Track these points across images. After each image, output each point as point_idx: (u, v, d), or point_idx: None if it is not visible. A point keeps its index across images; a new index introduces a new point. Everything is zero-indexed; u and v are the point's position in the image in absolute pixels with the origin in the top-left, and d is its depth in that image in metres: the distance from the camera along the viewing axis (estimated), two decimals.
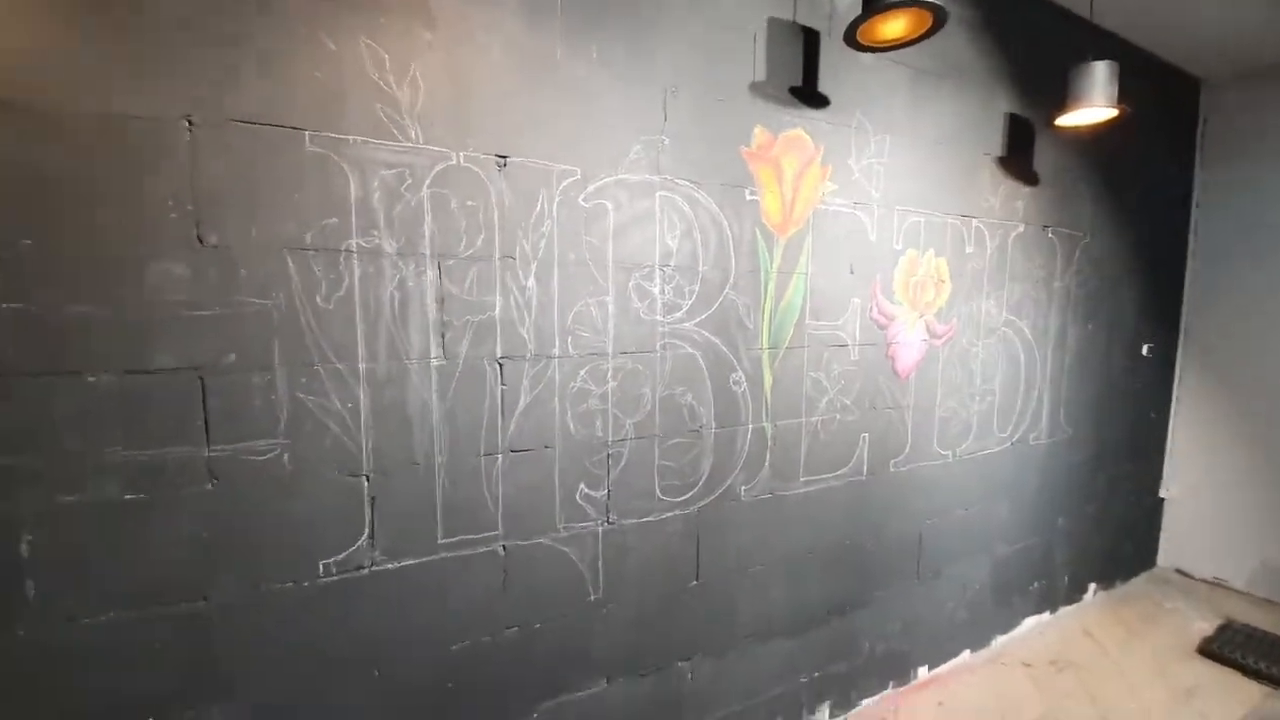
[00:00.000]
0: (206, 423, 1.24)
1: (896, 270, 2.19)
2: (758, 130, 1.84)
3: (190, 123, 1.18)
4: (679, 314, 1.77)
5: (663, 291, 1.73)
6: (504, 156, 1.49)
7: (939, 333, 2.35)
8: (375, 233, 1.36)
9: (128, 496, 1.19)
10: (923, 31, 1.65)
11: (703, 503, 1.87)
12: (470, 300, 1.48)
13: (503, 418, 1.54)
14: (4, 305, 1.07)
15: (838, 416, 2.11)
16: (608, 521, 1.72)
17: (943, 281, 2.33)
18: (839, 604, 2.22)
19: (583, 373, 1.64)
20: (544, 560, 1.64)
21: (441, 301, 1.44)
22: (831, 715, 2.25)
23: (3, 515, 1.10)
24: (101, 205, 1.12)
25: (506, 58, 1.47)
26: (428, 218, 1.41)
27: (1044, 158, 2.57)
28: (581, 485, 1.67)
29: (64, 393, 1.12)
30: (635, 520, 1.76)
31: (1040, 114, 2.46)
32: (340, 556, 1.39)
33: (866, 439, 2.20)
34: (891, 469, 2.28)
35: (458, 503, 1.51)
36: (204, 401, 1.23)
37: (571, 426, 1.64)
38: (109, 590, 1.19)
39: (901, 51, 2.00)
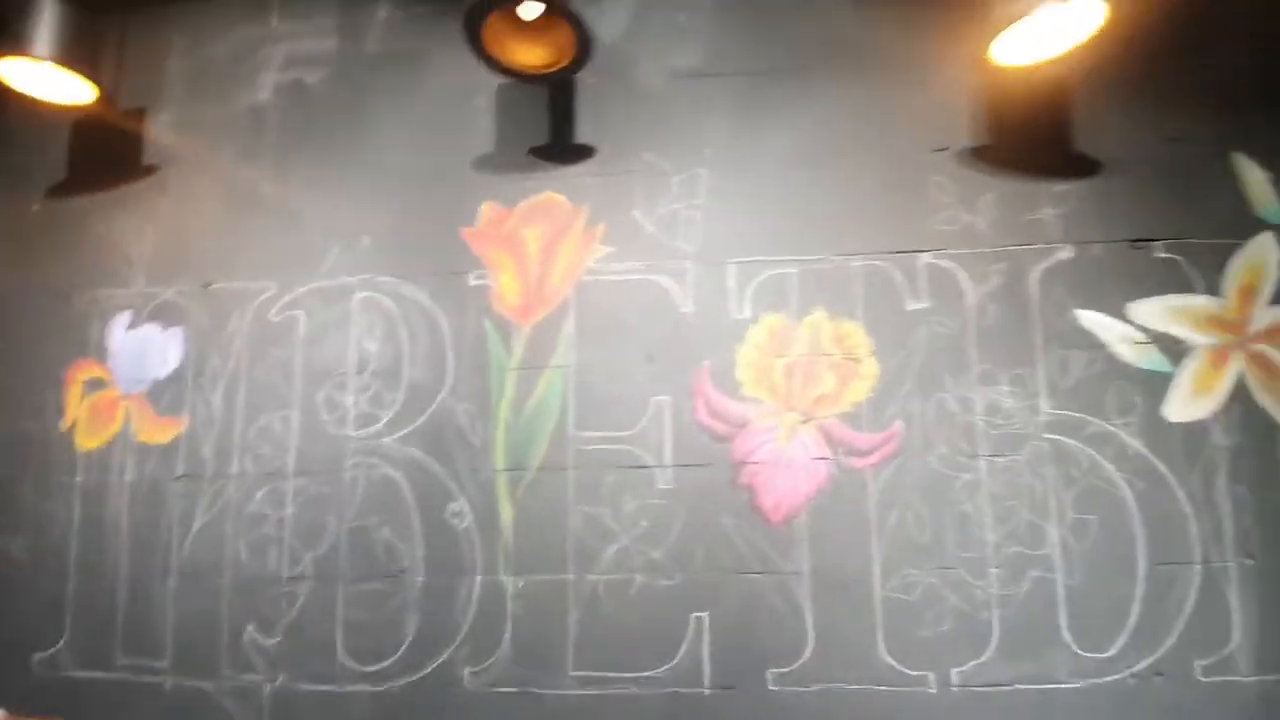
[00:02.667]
0: None
1: (743, 348, 1.43)
2: (485, 206, 1.55)
3: None
4: (376, 427, 1.49)
5: (356, 402, 1.51)
6: (207, 284, 1.60)
7: (860, 446, 1.38)
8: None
9: None
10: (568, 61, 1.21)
11: (405, 680, 1.40)
12: (161, 419, 1.55)
13: (175, 539, 1.50)
14: None
15: (637, 578, 1.38)
16: (276, 682, 1.43)
17: (853, 360, 1.41)
18: None
19: (259, 494, 1.50)
20: (206, 712, 1.44)
21: (129, 418, 1.56)
22: None
23: None
24: None
25: (220, 197, 1.64)
26: (147, 347, 1.59)
27: (1120, 123, 1.44)
28: (250, 626, 1.46)
29: None
30: (312, 686, 1.42)
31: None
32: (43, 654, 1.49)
33: (704, 622, 1.36)
34: (773, 684, 1.33)
35: (134, 621, 1.49)
36: None
37: (243, 554, 1.48)
38: None
39: (715, 55, 1.50)
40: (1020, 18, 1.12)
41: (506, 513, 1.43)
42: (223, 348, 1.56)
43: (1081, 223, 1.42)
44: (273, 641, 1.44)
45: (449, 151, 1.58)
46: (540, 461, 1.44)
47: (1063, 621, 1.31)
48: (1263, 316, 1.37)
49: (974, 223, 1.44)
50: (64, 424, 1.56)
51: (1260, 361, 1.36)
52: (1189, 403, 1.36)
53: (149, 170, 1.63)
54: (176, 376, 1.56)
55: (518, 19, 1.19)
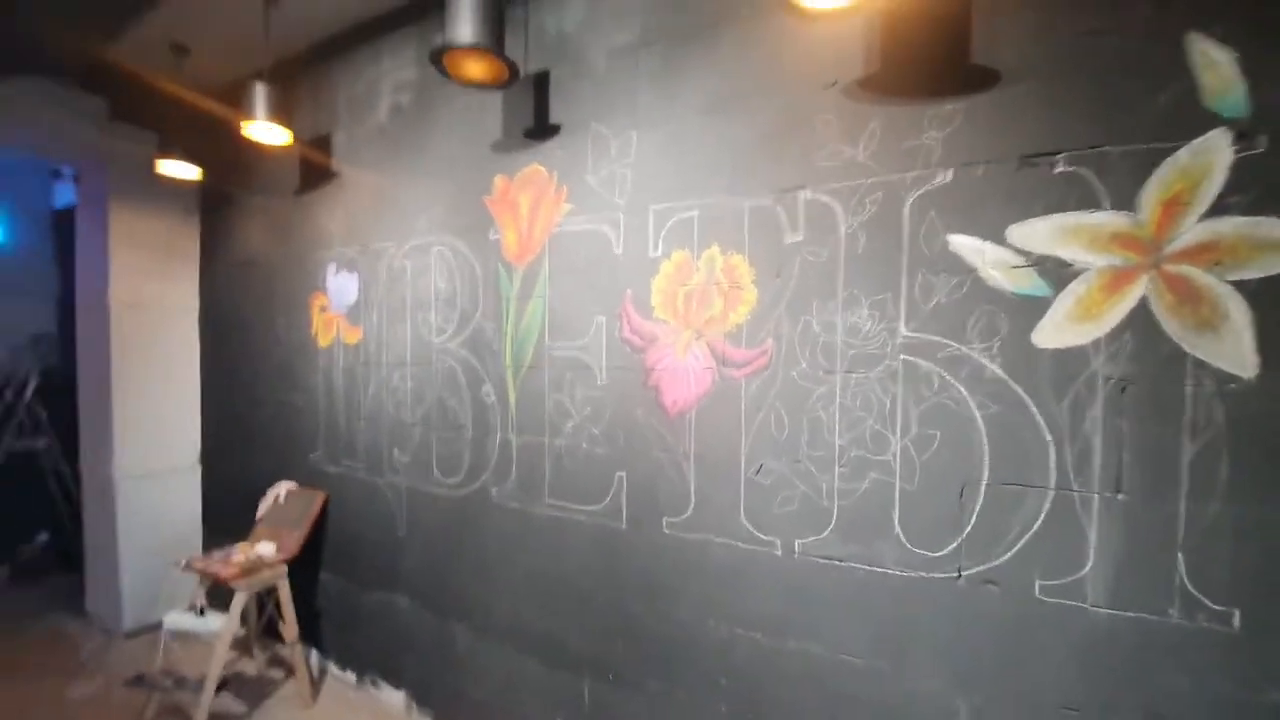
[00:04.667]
0: None
1: (656, 279, 1.82)
2: (497, 179, 2.15)
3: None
4: (445, 336, 2.32)
5: (435, 319, 2.34)
6: (365, 245, 2.58)
7: (737, 359, 1.69)
8: (325, 294, 2.73)
9: None
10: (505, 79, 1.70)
11: (464, 490, 2.28)
12: (353, 329, 2.63)
13: (361, 397, 2.60)
14: None
15: (584, 445, 1.98)
16: (407, 483, 2.45)
17: (738, 288, 1.68)
18: (599, 665, 1.97)
19: (395, 375, 2.48)
20: (377, 493, 2.55)
21: (339, 328, 2.66)
22: None
23: None
24: None
25: (368, 188, 2.56)
26: (343, 285, 2.67)
27: (1028, 23, 1.34)
28: (395, 449, 2.49)
29: None
30: (423, 488, 2.41)
31: None
32: (314, 454, 2.80)
33: (624, 480, 1.90)
34: (666, 529, 1.83)
35: (347, 440, 2.66)
36: None
37: (390, 408, 2.50)
38: None
39: (649, 26, 1.82)
40: None
41: (512, 395, 2.14)
42: (376, 285, 2.53)
43: (968, 141, 1.39)
44: (406, 459, 2.45)
45: (476, 140, 2.20)
46: (530, 362, 2.09)
47: (895, 518, 1.50)
48: (1191, 232, 1.22)
49: (856, 155, 1.52)
50: (312, 331, 2.76)
51: (1175, 283, 1.23)
52: (1066, 329, 1.32)
53: (335, 174, 2.63)
54: (357, 304, 2.60)
55: (467, 52, 1.70)
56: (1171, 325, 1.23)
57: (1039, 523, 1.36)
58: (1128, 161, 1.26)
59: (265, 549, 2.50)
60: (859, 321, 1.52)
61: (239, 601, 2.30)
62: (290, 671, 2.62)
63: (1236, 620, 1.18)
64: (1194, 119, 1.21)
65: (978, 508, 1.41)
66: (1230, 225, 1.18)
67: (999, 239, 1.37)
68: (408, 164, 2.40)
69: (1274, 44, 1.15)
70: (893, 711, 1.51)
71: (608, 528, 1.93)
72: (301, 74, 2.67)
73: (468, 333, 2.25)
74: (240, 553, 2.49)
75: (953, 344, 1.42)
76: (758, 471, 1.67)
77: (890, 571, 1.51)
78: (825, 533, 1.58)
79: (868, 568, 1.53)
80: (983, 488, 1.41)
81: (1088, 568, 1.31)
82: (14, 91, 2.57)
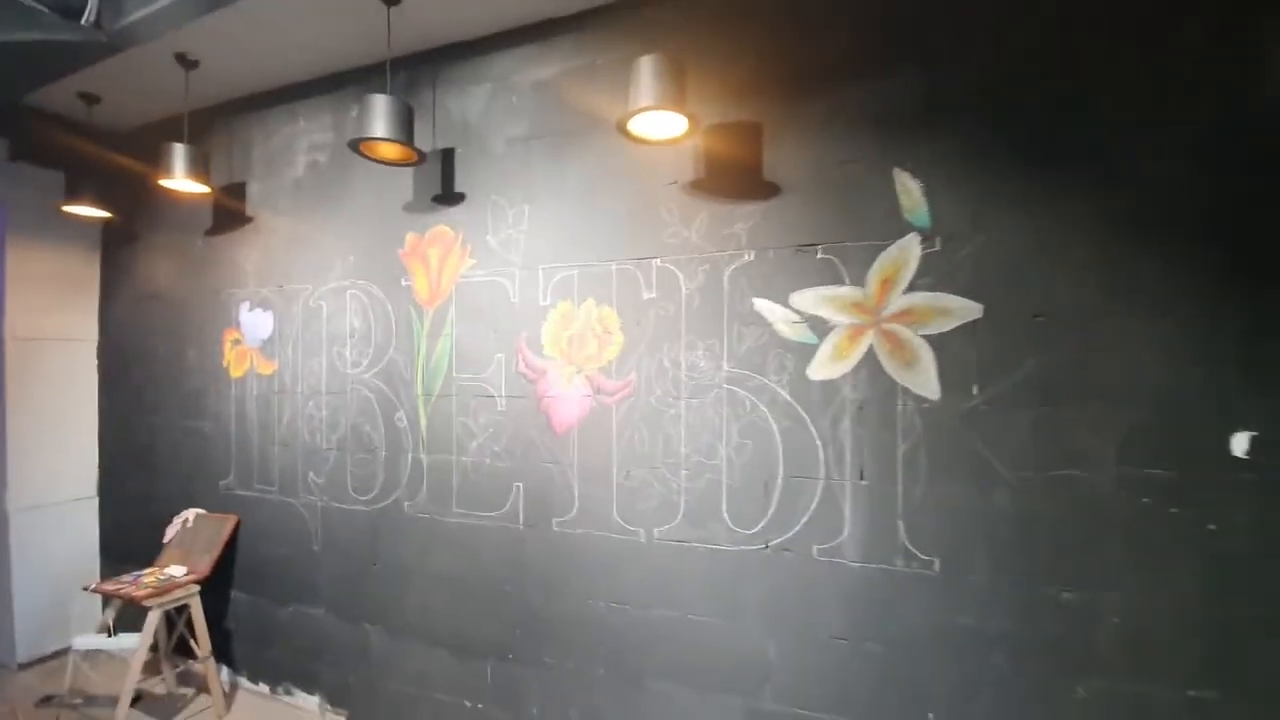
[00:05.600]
0: None
1: (545, 325, 2.24)
2: (409, 236, 2.50)
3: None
4: (360, 369, 2.60)
5: (350, 354, 2.62)
6: (281, 285, 2.80)
7: (609, 389, 2.15)
8: (238, 330, 2.90)
9: None
10: (414, 160, 2.07)
11: (378, 505, 2.56)
12: (267, 361, 2.82)
13: (275, 424, 2.79)
14: None
15: (488, 461, 2.35)
16: (323, 501, 2.68)
17: (608, 333, 2.15)
18: (502, 648, 2.32)
19: (310, 404, 2.72)
20: (293, 514, 2.76)
21: (253, 360, 2.85)
22: None
23: None
24: None
25: (283, 233, 2.79)
26: (257, 322, 2.86)
27: (799, 155, 1.91)
28: (311, 472, 2.72)
29: None
30: (338, 505, 2.65)
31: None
32: (224, 481, 2.94)
33: (521, 489, 2.29)
34: (555, 527, 2.24)
35: (261, 465, 2.84)
36: None
37: (305, 435, 2.73)
38: None
39: (537, 123, 2.23)
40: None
41: (423, 419, 2.47)
42: (291, 322, 2.76)
43: (763, 233, 1.94)
44: (321, 480, 2.69)
45: (389, 201, 2.53)
46: (439, 391, 2.43)
47: (724, 507, 2.00)
48: (897, 302, 1.82)
49: (690, 236, 2.04)
50: (224, 362, 2.92)
51: (889, 336, 1.82)
52: (827, 366, 1.88)
53: (250, 219, 2.84)
54: (271, 338, 2.81)
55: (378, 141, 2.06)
56: (889, 364, 1.83)
57: (814, 504, 1.90)
58: (859, 252, 1.85)
59: (176, 571, 2.63)
60: (696, 359, 2.03)
61: (153, 619, 2.42)
62: (202, 688, 2.73)
63: (937, 566, 1.77)
64: (897, 226, 1.81)
65: (777, 496, 1.94)
66: (921, 298, 1.79)
67: (785, 302, 1.92)
68: (324, 216, 2.68)
69: (945, 179, 1.77)
70: (726, 653, 1.99)
71: (508, 529, 2.31)
72: (217, 124, 2.87)
73: (381, 365, 2.55)
74: (150, 575, 2.59)
75: (759, 376, 1.95)
76: (626, 476, 2.12)
77: (722, 547, 2.01)
78: (675, 521, 2.06)
79: (707, 545, 2.03)
80: (779, 481, 1.94)
81: (845, 534, 1.87)
82: None
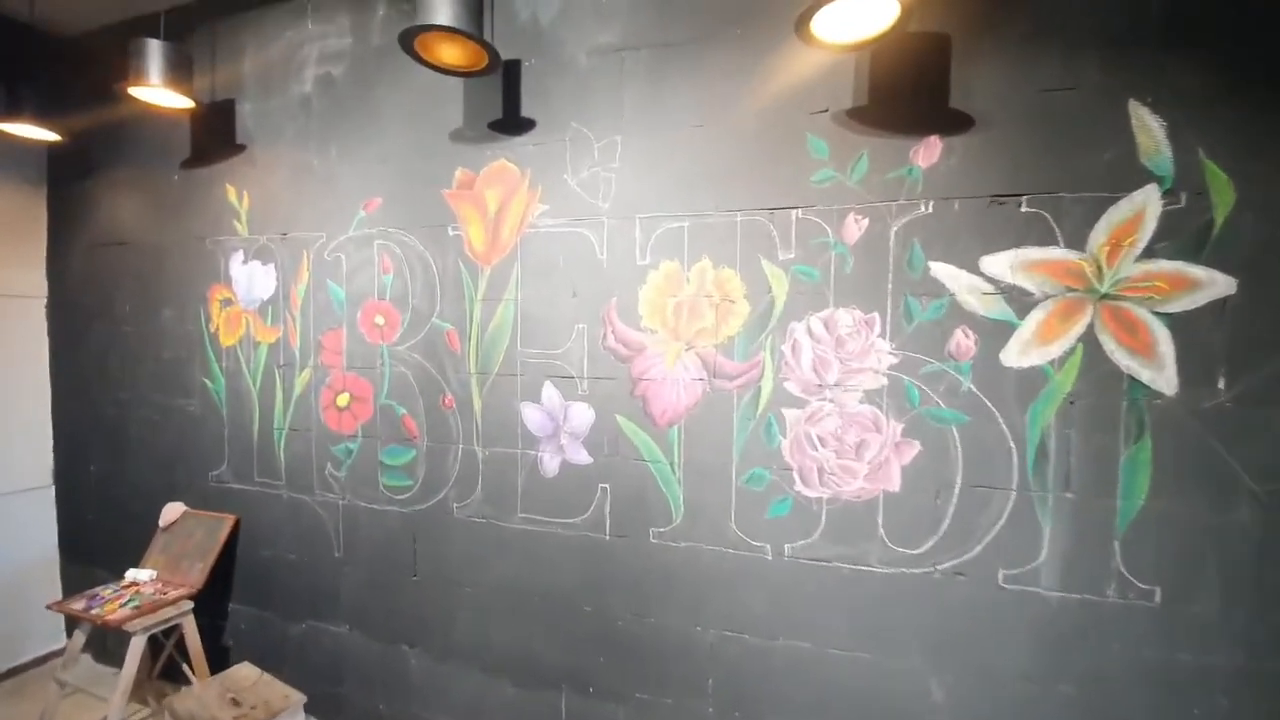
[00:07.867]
0: None
1: (644, 289, 1.79)
2: (459, 172, 1.97)
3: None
4: (394, 339, 2.10)
5: (379, 320, 2.11)
6: (284, 233, 2.24)
7: (729, 372, 1.72)
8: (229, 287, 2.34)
9: None
10: (483, 66, 1.54)
11: (417, 506, 2.10)
12: (267, 328, 2.29)
13: (281, 405, 2.28)
14: None
15: (562, 456, 1.91)
16: (345, 499, 2.21)
17: (730, 302, 1.71)
18: (580, 679, 1.93)
19: (327, 379, 2.21)
20: (308, 514, 2.28)
21: (249, 326, 2.31)
22: None
23: None
24: None
25: (286, 168, 2.22)
26: (254, 277, 2.31)
27: (999, 78, 1.47)
28: (328, 465, 2.23)
29: None
30: (365, 504, 2.18)
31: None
32: (215, 472, 2.42)
33: (607, 491, 1.86)
34: (653, 539, 1.83)
35: (263, 455, 2.33)
36: None
37: (322, 417, 2.23)
38: None
39: (632, 30, 1.73)
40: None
41: (477, 403, 2.00)
42: (298, 279, 2.22)
43: (946, 178, 1.51)
44: (342, 475, 2.20)
45: (431, 127, 1.99)
46: (498, 369, 1.96)
47: (880, 520, 1.62)
48: (1128, 271, 1.42)
49: (845, 180, 1.59)
50: (212, 327, 2.37)
51: (1115, 314, 1.44)
52: (1028, 350, 1.49)
53: (240, 148, 2.25)
54: (273, 299, 2.27)
55: (442, 32, 1.53)
56: (1113, 349, 1.44)
57: (1002, 520, 1.53)
58: (1079, 205, 1.44)
59: (144, 574, 2.14)
60: (848, 337, 1.61)
61: (137, 646, 1.95)
62: None
63: (1158, 596, 1.43)
64: (1133, 174, 1.41)
65: (952, 509, 1.57)
66: (1160, 267, 1.40)
67: (974, 267, 1.51)
68: (341, 145, 2.12)
69: (1196, 116, 1.36)
70: (875, 693, 1.64)
71: (590, 540, 1.89)
72: (198, 27, 2.24)
73: (421, 334, 2.05)
74: (129, 589, 2.10)
75: (933, 360, 1.55)
76: (747, 480, 1.72)
77: (874, 569, 1.63)
78: (814, 537, 1.68)
79: (852, 566, 1.65)
80: (956, 491, 1.56)
81: (1041, 557, 1.51)
82: None
